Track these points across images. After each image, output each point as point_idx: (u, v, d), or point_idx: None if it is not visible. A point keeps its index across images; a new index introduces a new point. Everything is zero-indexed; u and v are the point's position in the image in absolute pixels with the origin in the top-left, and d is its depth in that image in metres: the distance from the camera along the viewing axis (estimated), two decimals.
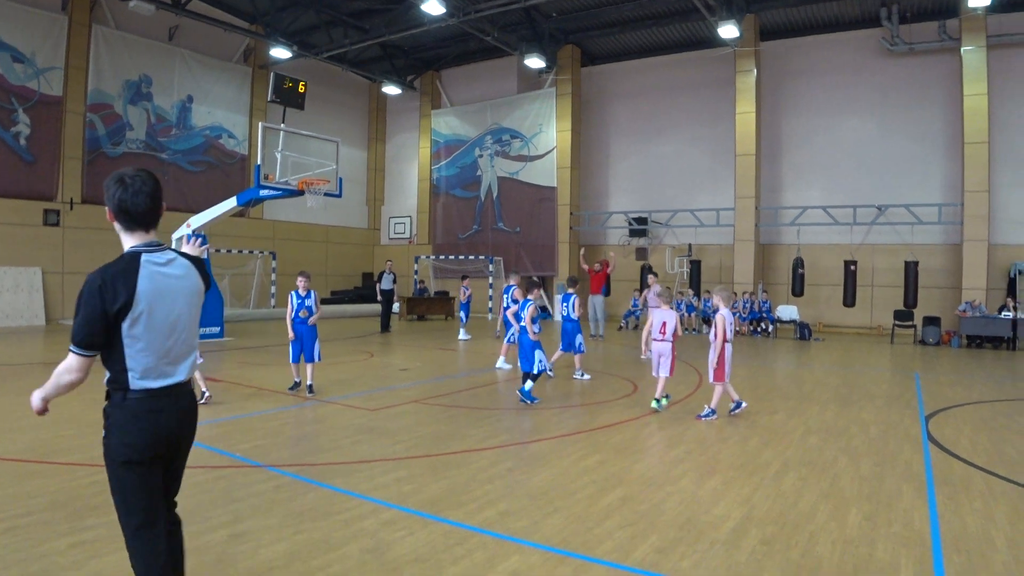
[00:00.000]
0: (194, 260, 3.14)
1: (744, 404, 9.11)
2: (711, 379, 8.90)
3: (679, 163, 24.96)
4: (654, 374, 9.54)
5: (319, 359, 10.36)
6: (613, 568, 4.29)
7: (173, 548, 3.13)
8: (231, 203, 16.92)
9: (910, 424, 8.64)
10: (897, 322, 19.53)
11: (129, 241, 3.00)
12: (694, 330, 21.28)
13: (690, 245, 23.66)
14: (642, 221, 24.90)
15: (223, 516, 5.05)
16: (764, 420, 8.81)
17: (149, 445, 2.89)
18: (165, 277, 2.95)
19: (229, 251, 24.28)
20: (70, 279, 21.00)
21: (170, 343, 2.96)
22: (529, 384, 9.62)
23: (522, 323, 10.01)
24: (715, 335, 8.77)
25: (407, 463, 6.59)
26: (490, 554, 4.47)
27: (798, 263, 20.90)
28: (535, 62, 24.74)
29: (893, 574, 4.23)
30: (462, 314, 19.22)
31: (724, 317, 8.82)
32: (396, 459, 6.73)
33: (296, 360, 10.21)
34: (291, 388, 10.37)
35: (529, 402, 9.57)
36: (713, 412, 8.78)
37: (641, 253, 24.62)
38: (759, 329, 20.65)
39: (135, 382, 2.87)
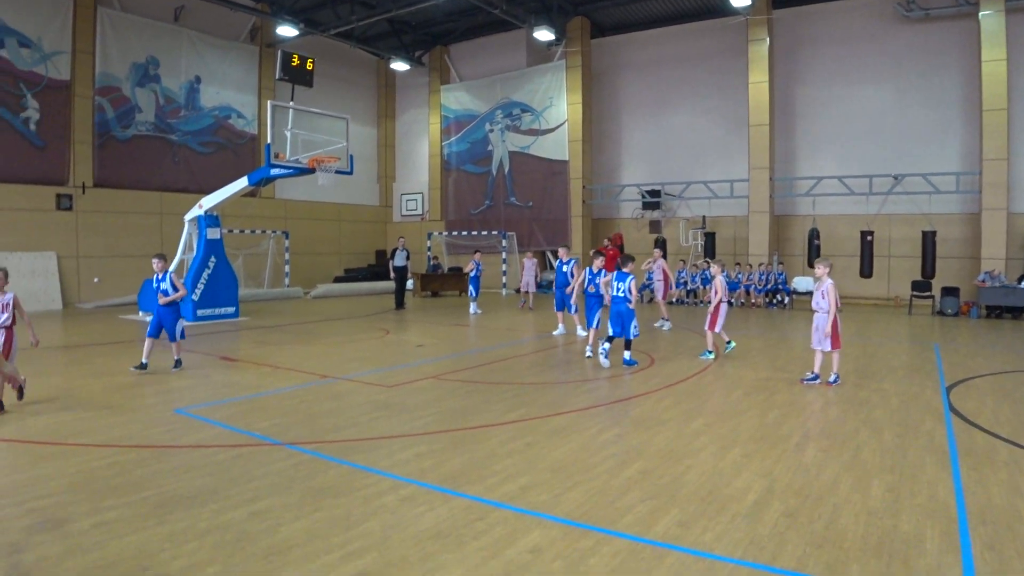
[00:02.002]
0: None
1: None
2: (829, 347, 9.13)
3: (692, 134, 24.69)
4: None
5: (182, 337, 10.30)
6: (634, 541, 4.26)
7: None
8: (242, 183, 16.90)
9: (931, 395, 8.55)
10: (915, 293, 19.33)
11: None
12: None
13: (704, 217, 23.48)
14: (655, 194, 24.71)
15: (243, 494, 5.04)
16: (783, 392, 8.75)
17: None
18: None
19: (242, 231, 24.28)
20: (85, 263, 21.07)
21: None
22: (627, 354, 10.52)
23: (617, 293, 10.52)
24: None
25: (426, 439, 6.58)
26: (511, 528, 4.45)
27: (814, 234, 20.71)
28: (544, 35, 24.45)
29: (918, 545, 4.18)
30: (471, 289, 19.19)
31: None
32: (415, 435, 6.72)
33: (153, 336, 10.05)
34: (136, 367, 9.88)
35: (633, 365, 10.46)
36: (836, 378, 9.17)
37: (655, 226, 24.47)
38: (774, 301, 20.51)
39: None
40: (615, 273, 10.76)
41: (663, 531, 4.41)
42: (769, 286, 20.67)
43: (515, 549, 4.14)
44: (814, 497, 5.00)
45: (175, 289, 10.03)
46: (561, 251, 14.21)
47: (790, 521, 4.55)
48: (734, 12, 21.91)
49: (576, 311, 13.64)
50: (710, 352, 11.30)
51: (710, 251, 22.69)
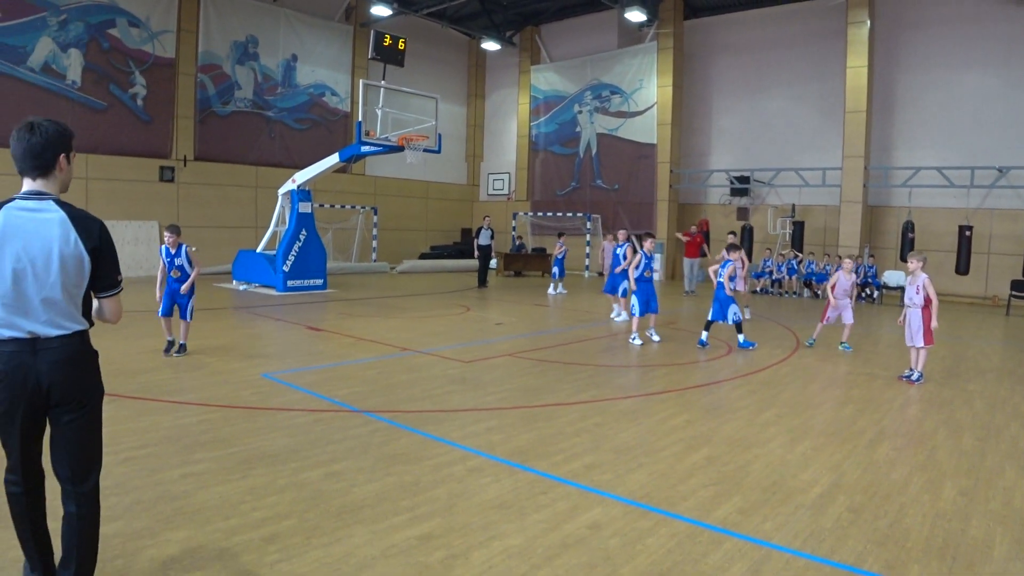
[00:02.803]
0: (79, 219, 3.00)
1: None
2: (922, 343, 8.91)
3: (784, 120, 24.01)
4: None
5: (190, 318, 9.35)
6: (694, 525, 4.33)
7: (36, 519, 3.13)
8: (334, 159, 17.42)
9: (1020, 400, 8.22)
10: (1015, 293, 18.44)
11: (24, 186, 3.01)
12: (795, 293, 20.75)
13: (794, 205, 22.88)
14: (744, 180, 24.22)
15: (320, 456, 5.34)
16: (861, 388, 8.58)
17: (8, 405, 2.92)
18: (24, 221, 2.90)
19: (332, 206, 24.97)
20: (184, 232, 21.96)
21: (17, 291, 2.88)
22: (741, 337, 11.05)
23: (720, 279, 11.04)
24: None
25: (497, 414, 6.77)
26: (573, 504, 4.59)
27: (908, 227, 19.96)
28: (636, 15, 24.11)
29: (985, 551, 4.11)
30: (555, 269, 19.29)
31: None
32: (487, 409, 6.92)
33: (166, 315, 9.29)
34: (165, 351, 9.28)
35: (750, 348, 10.97)
36: (921, 376, 8.96)
37: (742, 213, 24.02)
38: (863, 294, 19.91)
39: None
40: (722, 261, 11.18)
41: (723, 517, 4.47)
42: (859, 279, 20.05)
43: (574, 524, 4.28)
44: (881, 495, 4.95)
45: (191, 265, 9.35)
46: (620, 234, 13.87)
47: (853, 517, 4.54)
48: None
49: (626, 295, 13.17)
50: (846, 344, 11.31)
51: (798, 241, 22.14)
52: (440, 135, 17.49)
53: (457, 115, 31.61)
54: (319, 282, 17.99)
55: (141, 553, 3.74)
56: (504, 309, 15.99)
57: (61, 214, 2.94)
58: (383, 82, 16.47)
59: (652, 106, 25.99)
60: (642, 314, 11.27)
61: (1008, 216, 19.83)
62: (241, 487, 4.65)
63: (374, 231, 26.34)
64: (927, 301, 8.82)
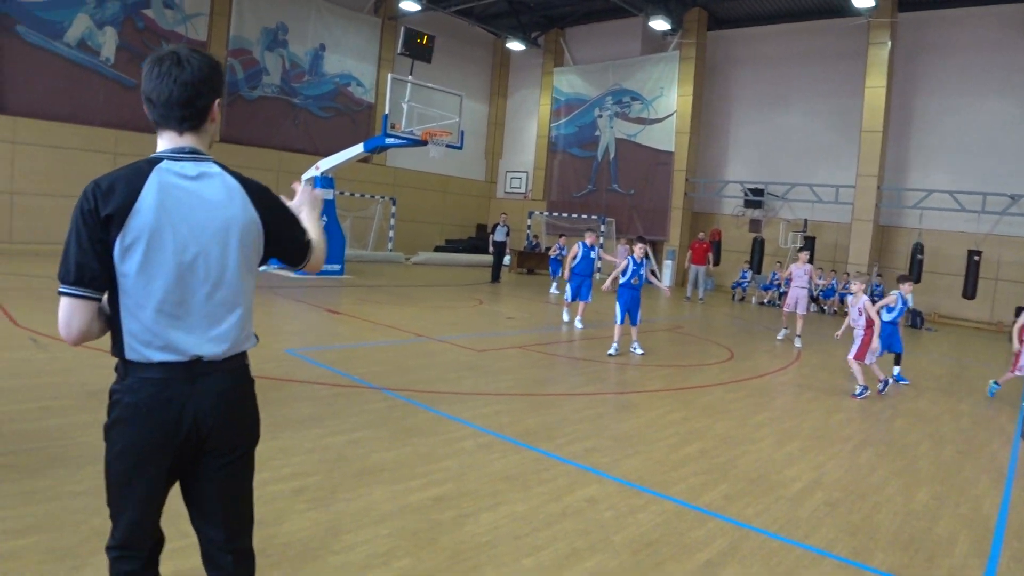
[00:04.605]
0: (248, 183, 2.27)
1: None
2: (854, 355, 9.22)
3: (801, 135, 24.33)
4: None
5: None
6: (682, 506, 4.75)
7: None
8: (358, 149, 17.87)
9: (1006, 421, 8.55)
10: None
11: (159, 147, 2.21)
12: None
13: (806, 221, 23.20)
14: (758, 192, 24.55)
15: (342, 425, 5.79)
16: (854, 399, 8.96)
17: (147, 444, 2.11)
18: (186, 194, 2.10)
19: (352, 194, 25.42)
20: None
21: (181, 292, 2.08)
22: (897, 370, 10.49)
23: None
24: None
25: (506, 399, 7.21)
26: (572, 480, 5.02)
27: (917, 248, 20.26)
28: (660, 24, 24.50)
29: (948, 548, 4.47)
30: (552, 268, 19.68)
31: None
32: (497, 394, 7.36)
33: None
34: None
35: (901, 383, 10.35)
36: (864, 390, 9.05)
37: (755, 225, 24.36)
38: None
39: (131, 350, 2.08)
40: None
41: (709, 501, 4.89)
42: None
43: (573, 497, 4.71)
44: (858, 493, 5.34)
45: None
46: (588, 236, 12.97)
47: (829, 510, 4.94)
48: (857, 13, 21.41)
49: (574, 298, 13.07)
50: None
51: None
52: (463, 132, 17.92)
53: (479, 112, 32.02)
54: (337, 267, 18.46)
55: None
56: (515, 304, 16.41)
57: (232, 181, 2.21)
58: (410, 77, 16.91)
59: (671, 114, 26.34)
60: (620, 322, 10.54)
61: (1018, 243, 20.11)
62: (272, 447, 5.09)
63: (392, 221, 26.78)
64: (869, 322, 9.15)
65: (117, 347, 2.09)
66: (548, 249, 26.85)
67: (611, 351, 10.37)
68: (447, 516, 4.22)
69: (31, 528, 3.66)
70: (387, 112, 16.68)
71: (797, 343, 13.31)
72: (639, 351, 10.68)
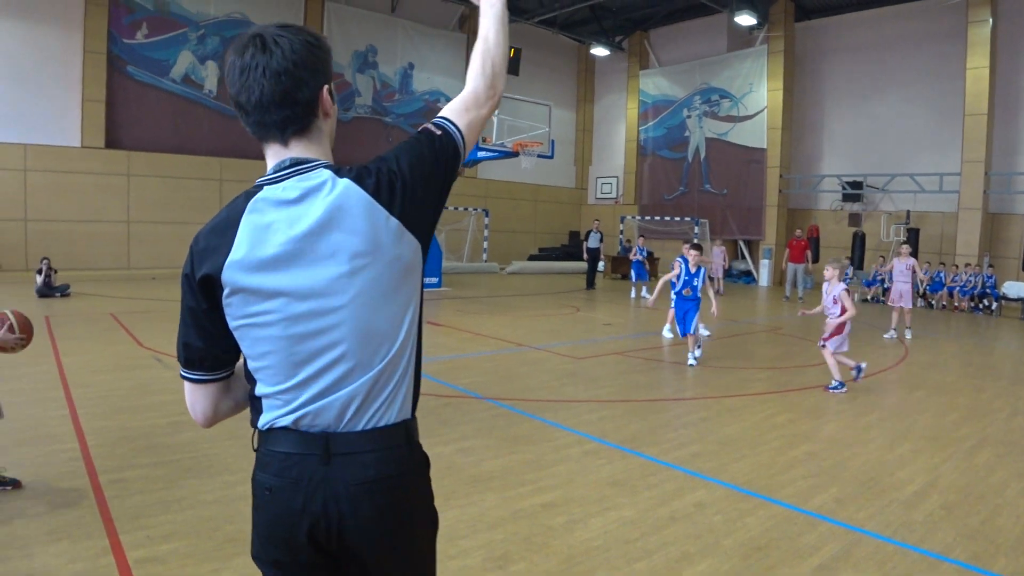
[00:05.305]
0: (384, 178, 1.64)
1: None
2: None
3: (899, 123, 23.39)
4: None
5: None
6: (791, 510, 4.74)
7: None
8: None
9: None
10: None
11: (268, 166, 1.69)
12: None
13: (908, 212, 22.32)
14: (856, 185, 23.77)
15: (451, 434, 6.01)
16: (968, 396, 8.63)
17: (268, 539, 1.66)
18: (287, 222, 1.56)
19: (446, 208, 25.82)
20: None
21: (304, 348, 1.58)
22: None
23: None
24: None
25: (608, 405, 7.30)
26: (679, 485, 5.08)
27: None
28: (746, 19, 24.09)
29: None
30: (632, 273, 19.45)
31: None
32: (598, 401, 7.46)
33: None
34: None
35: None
36: (840, 385, 8.54)
37: (854, 219, 23.61)
38: (980, 306, 19.29)
39: (264, 417, 1.65)
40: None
41: (819, 504, 4.85)
42: (976, 289, 19.45)
43: (681, 502, 4.77)
44: (976, 495, 5.17)
45: None
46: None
47: (946, 513, 4.80)
48: None
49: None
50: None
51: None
52: (553, 141, 18.11)
53: (566, 120, 32.19)
54: (434, 280, 18.90)
55: None
56: (612, 310, 16.44)
57: (348, 184, 1.59)
58: None
59: (762, 110, 25.83)
60: (682, 333, 9.97)
61: None
62: None
63: (485, 232, 27.21)
64: (843, 311, 8.56)
65: (251, 411, 1.71)
66: (649, 254, 26.78)
67: (690, 361, 9.70)
68: (558, 521, 4.36)
69: (172, 534, 4.00)
70: None
71: (907, 335, 13.07)
72: (691, 361, 9.70)
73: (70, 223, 19.20)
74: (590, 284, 21.10)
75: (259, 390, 1.64)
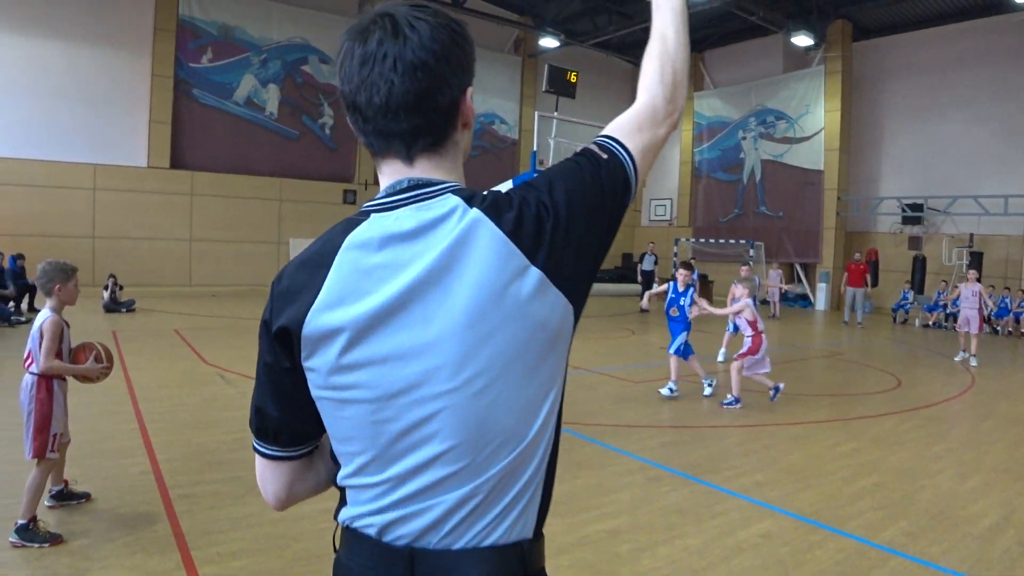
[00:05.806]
0: (524, 212, 1.18)
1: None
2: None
3: (962, 144, 22.78)
4: None
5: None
6: (861, 543, 4.67)
7: None
8: (507, 185, 18.43)
9: None
10: None
11: (382, 185, 1.32)
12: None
13: (971, 235, 21.73)
14: (917, 207, 23.24)
15: None
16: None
17: None
18: (394, 265, 1.17)
19: None
20: None
21: (399, 436, 1.17)
22: None
23: None
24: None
25: (670, 431, 7.29)
26: (745, 515, 5.04)
27: None
28: (802, 40, 23.84)
29: None
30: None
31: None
32: (660, 426, 7.46)
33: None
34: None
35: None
36: (735, 401, 8.64)
37: (915, 242, 23.07)
38: None
39: (345, 511, 1.27)
40: None
41: (890, 537, 4.78)
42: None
43: (748, 532, 4.74)
44: None
45: None
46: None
47: (1023, 550, 4.71)
48: (1018, 8, 20.00)
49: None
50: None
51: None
52: None
53: None
54: None
55: None
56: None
57: (479, 217, 1.17)
58: (555, 114, 17.38)
59: (819, 131, 25.47)
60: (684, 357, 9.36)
61: None
62: None
63: None
64: (755, 327, 8.68)
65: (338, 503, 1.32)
66: (703, 276, 26.56)
67: (663, 391, 9.06)
68: (624, 549, 4.37)
69: (242, 551, 4.12)
70: (535, 149, 17.20)
71: (972, 363, 12.78)
72: (664, 392, 9.06)
73: (135, 240, 19.86)
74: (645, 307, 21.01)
75: (342, 478, 1.26)
